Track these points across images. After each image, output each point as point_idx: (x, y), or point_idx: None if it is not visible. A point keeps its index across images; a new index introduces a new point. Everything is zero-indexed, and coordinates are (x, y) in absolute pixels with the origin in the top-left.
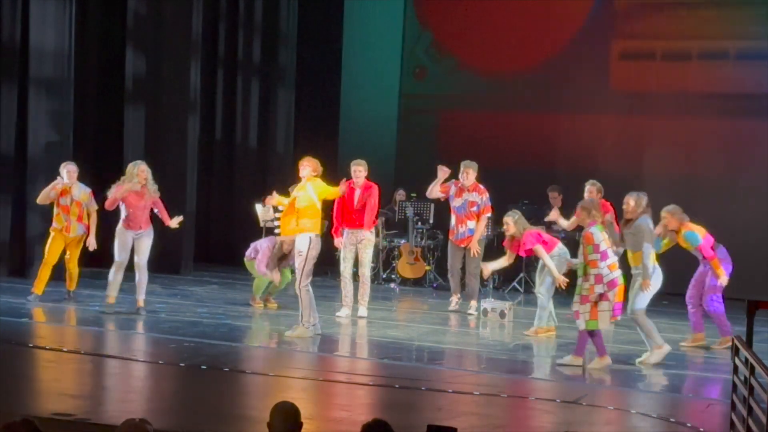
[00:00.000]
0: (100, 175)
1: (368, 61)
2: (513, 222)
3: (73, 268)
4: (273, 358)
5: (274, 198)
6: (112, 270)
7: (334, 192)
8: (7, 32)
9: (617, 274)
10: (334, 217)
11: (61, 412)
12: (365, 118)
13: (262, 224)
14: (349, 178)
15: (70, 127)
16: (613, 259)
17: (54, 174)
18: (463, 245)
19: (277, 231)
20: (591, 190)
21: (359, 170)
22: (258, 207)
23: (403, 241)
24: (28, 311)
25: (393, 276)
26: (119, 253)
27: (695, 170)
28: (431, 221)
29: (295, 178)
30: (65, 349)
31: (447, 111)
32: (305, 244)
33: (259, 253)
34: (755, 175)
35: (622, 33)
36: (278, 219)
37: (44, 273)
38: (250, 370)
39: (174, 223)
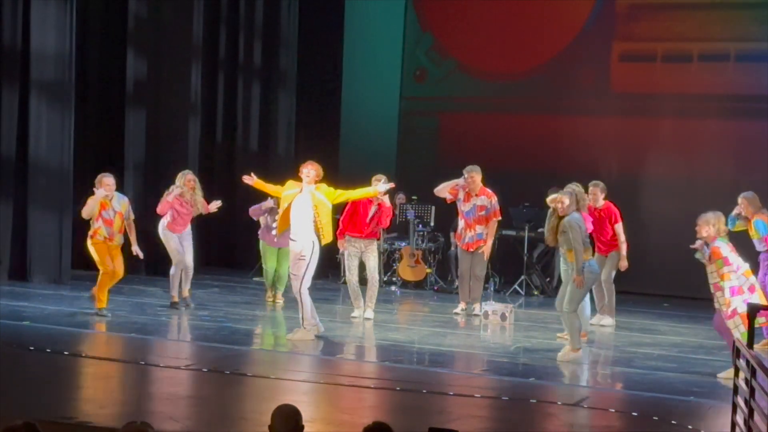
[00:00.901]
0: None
1: (369, 63)
2: (569, 200)
3: (118, 272)
4: (274, 360)
5: (254, 179)
6: (173, 269)
7: (370, 193)
8: (9, 35)
9: (753, 279)
10: (341, 221)
11: (63, 415)
12: (366, 120)
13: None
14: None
15: (71, 130)
16: (746, 266)
17: (55, 178)
18: (470, 250)
19: (274, 232)
20: (594, 191)
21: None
22: None
23: (403, 244)
24: (32, 315)
25: (394, 279)
26: (176, 254)
27: (696, 172)
28: (432, 224)
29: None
30: (66, 353)
31: (448, 113)
32: (309, 249)
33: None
34: (756, 176)
35: (622, 35)
36: (276, 221)
37: (107, 284)
38: (252, 372)
39: (213, 207)
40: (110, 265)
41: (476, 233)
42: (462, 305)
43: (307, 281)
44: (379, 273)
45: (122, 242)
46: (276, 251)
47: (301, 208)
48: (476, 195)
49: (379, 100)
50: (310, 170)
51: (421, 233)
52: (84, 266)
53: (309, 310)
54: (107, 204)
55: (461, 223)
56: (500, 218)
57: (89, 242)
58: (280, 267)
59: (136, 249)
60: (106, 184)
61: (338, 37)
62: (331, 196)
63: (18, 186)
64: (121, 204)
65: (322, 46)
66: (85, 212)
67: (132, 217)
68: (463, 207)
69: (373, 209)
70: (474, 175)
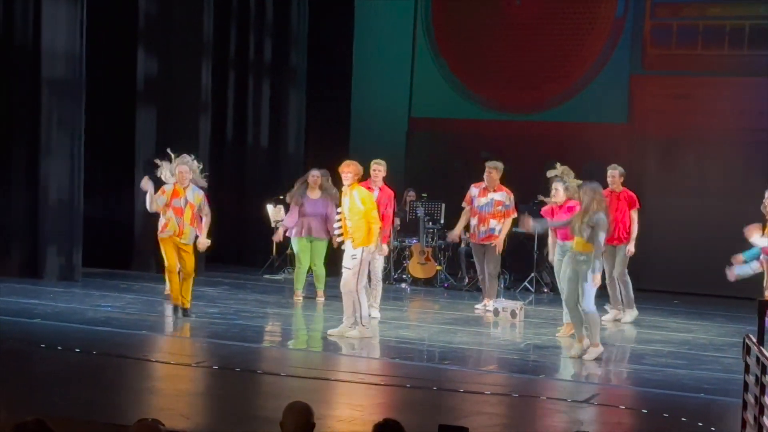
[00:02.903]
0: (112, 176)
1: (379, 61)
2: (563, 189)
3: (189, 272)
4: (285, 358)
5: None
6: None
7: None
8: (20, 34)
9: None
10: None
11: (73, 412)
12: (376, 118)
13: (273, 224)
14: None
15: (81, 128)
16: None
17: (65, 175)
18: (484, 244)
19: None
20: (613, 174)
21: (378, 170)
22: (269, 207)
23: (414, 241)
24: (43, 313)
25: (404, 276)
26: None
27: (707, 169)
28: (442, 221)
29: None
30: (77, 350)
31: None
32: (358, 252)
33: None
34: (754, 182)
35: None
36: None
37: (173, 280)
38: (262, 370)
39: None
40: (175, 261)
41: (489, 227)
42: (486, 301)
43: (362, 278)
44: (388, 270)
45: (193, 242)
46: (309, 248)
47: (346, 209)
48: (494, 190)
49: (390, 98)
50: (347, 171)
51: (431, 230)
52: (95, 264)
53: (365, 308)
54: (180, 192)
55: (474, 219)
56: (516, 216)
57: (159, 239)
58: (315, 264)
59: (201, 240)
60: (180, 173)
61: (348, 34)
62: (364, 201)
63: (29, 184)
64: (195, 196)
65: (333, 43)
66: (150, 205)
67: (207, 211)
68: (478, 202)
69: (374, 196)
70: (493, 170)
